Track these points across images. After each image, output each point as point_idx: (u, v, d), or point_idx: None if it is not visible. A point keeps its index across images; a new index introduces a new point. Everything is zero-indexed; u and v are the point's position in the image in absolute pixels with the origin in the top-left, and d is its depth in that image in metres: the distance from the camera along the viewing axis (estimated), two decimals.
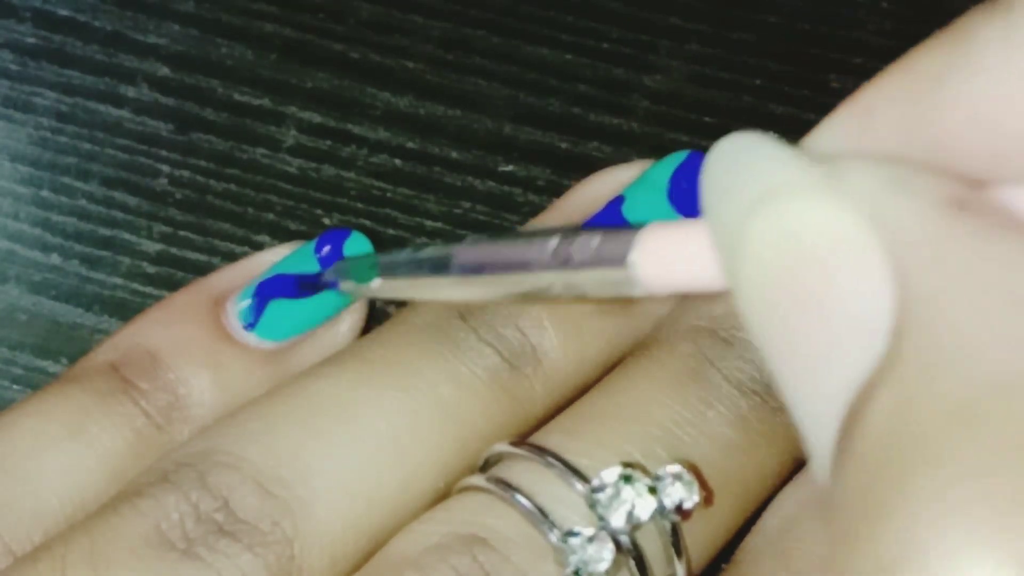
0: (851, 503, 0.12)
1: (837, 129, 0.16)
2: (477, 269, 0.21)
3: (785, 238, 0.13)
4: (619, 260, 0.17)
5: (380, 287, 0.24)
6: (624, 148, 0.31)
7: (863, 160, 0.14)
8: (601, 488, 0.22)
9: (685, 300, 0.26)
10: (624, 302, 0.26)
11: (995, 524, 0.11)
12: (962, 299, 0.12)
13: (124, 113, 0.32)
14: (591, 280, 0.19)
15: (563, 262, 0.19)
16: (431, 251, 0.22)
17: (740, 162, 0.14)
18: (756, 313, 0.14)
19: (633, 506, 0.22)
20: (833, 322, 0.13)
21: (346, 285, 0.24)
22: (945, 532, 0.11)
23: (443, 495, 0.23)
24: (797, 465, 0.25)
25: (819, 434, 0.13)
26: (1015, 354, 0.12)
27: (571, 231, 0.19)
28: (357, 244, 0.26)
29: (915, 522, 0.11)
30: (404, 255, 0.23)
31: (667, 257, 0.16)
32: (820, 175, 0.14)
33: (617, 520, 0.22)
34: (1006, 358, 0.12)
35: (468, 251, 0.22)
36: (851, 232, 0.13)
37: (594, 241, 0.18)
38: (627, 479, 0.22)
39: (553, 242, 0.19)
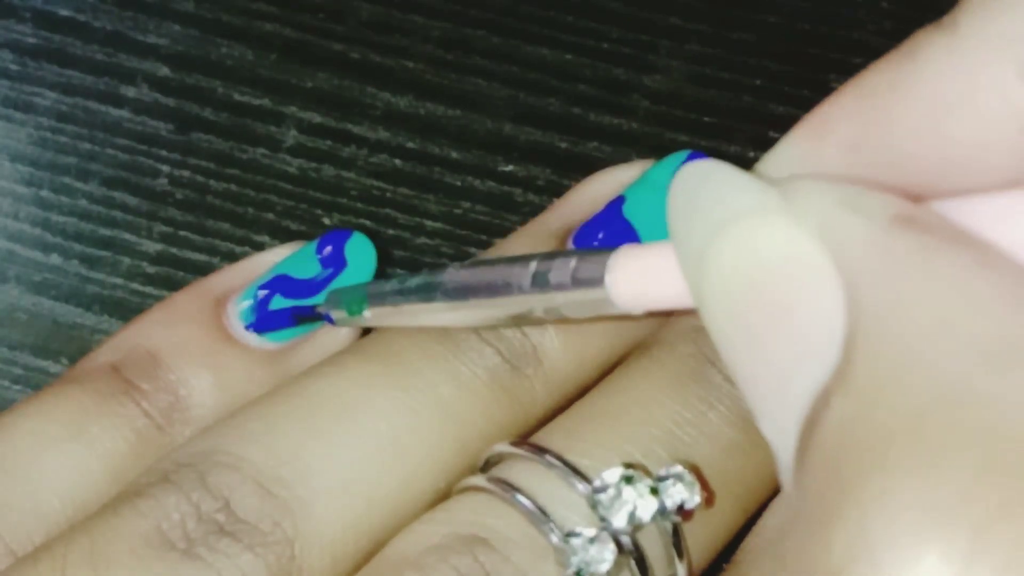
0: (807, 508, 0.13)
1: (792, 149, 0.17)
2: (462, 295, 0.22)
3: (744, 258, 0.14)
4: (595, 282, 0.18)
5: (372, 317, 0.24)
6: (624, 148, 0.31)
7: (814, 182, 0.15)
8: (603, 489, 0.22)
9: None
10: (604, 319, 0.26)
11: (939, 520, 0.12)
12: (908, 312, 0.13)
13: (124, 113, 0.32)
14: (569, 301, 0.19)
15: (542, 285, 0.20)
16: (417, 279, 0.23)
17: (701, 188, 0.15)
18: (719, 330, 0.15)
19: (635, 507, 0.22)
20: (790, 335, 0.14)
21: (339, 316, 0.25)
22: (893, 530, 0.12)
23: (444, 495, 0.23)
24: None
25: (782, 443, 0.14)
26: (956, 365, 0.12)
27: (548, 255, 0.20)
28: (358, 245, 0.26)
29: (864, 522, 0.12)
30: (392, 285, 0.24)
31: (640, 277, 0.17)
32: (774, 198, 0.14)
33: (619, 521, 0.22)
34: (947, 370, 0.12)
35: (452, 277, 0.22)
36: (805, 251, 0.14)
37: (571, 263, 0.19)
38: (628, 480, 0.22)
39: (532, 266, 0.20)
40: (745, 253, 0.14)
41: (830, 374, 0.13)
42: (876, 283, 0.13)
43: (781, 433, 0.14)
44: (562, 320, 0.20)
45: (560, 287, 0.19)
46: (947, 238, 0.14)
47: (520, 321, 0.22)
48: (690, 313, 0.25)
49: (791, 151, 0.17)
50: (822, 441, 0.13)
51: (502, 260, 0.21)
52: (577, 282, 0.19)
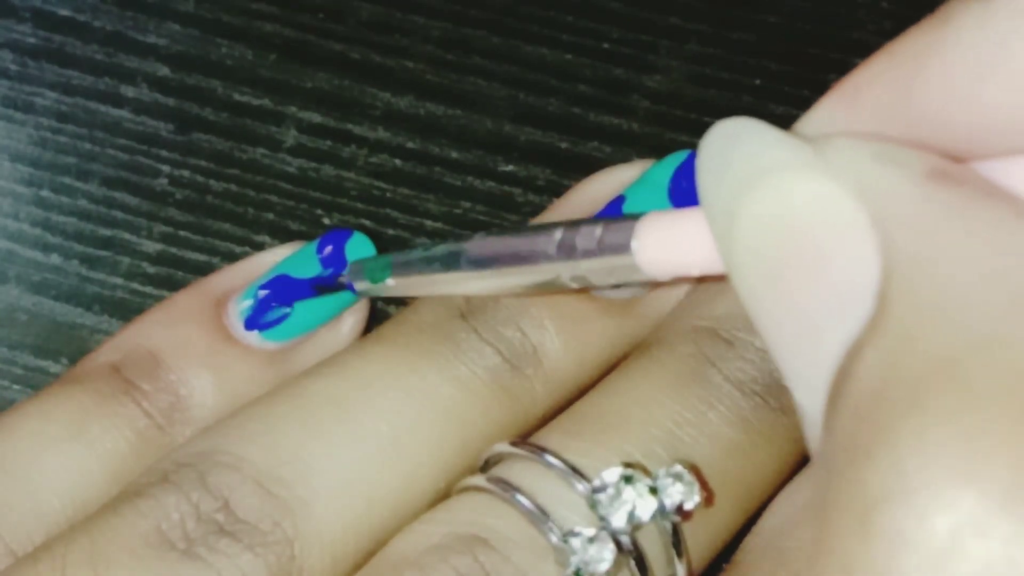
0: (839, 452, 0.13)
1: (825, 113, 0.17)
2: (487, 264, 0.22)
3: (777, 211, 0.14)
4: (622, 248, 0.18)
5: (394, 285, 0.24)
6: (624, 148, 0.31)
7: (849, 138, 0.15)
8: (602, 488, 0.22)
9: (685, 300, 0.26)
10: (625, 303, 0.26)
11: (977, 460, 0.12)
12: (943, 263, 0.13)
13: (124, 113, 0.32)
14: (596, 268, 0.19)
15: (568, 253, 0.20)
16: (442, 248, 0.23)
17: (732, 145, 0.15)
18: (749, 287, 0.15)
19: (634, 506, 0.22)
20: (823, 288, 0.14)
21: (361, 285, 0.25)
22: (929, 469, 0.12)
23: (444, 495, 0.23)
24: (797, 465, 0.25)
25: (811, 398, 0.14)
26: (991, 313, 0.12)
27: (574, 223, 0.20)
28: (359, 244, 0.26)
29: (900, 462, 0.12)
30: (416, 253, 0.23)
31: (666, 243, 0.17)
32: (808, 153, 0.15)
33: (618, 520, 0.22)
34: (983, 317, 0.12)
35: (477, 246, 0.22)
36: (839, 203, 0.14)
37: (597, 231, 0.19)
38: (628, 479, 0.22)
39: (558, 234, 0.20)
40: (778, 206, 0.14)
41: (863, 326, 0.13)
42: (911, 235, 0.13)
43: (811, 390, 0.14)
44: (588, 287, 0.20)
45: (587, 254, 0.19)
46: (982, 192, 0.14)
47: (545, 289, 0.22)
48: (691, 312, 0.26)
49: (823, 116, 0.17)
50: (854, 391, 0.13)
51: (527, 228, 0.21)
52: (604, 249, 0.19)
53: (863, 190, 0.14)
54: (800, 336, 0.14)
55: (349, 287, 0.25)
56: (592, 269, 0.19)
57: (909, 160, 0.14)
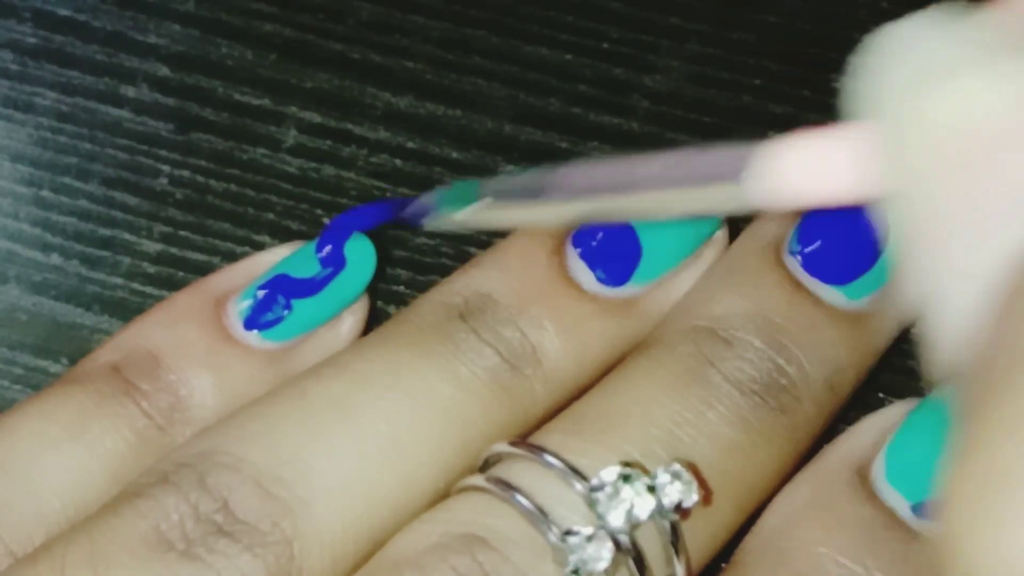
0: (1012, 362, 0.12)
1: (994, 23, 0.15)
2: (583, 195, 0.21)
3: (964, 111, 0.13)
4: (732, 175, 0.17)
5: (483, 214, 0.23)
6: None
7: None
8: (600, 487, 0.22)
9: (684, 300, 0.26)
10: (625, 303, 0.26)
11: None
12: None
13: (124, 113, 0.32)
14: (702, 198, 0.18)
15: (674, 181, 0.19)
16: (533, 179, 0.22)
17: (915, 40, 0.14)
18: (920, 182, 0.14)
19: (632, 505, 0.22)
20: (1007, 186, 0.13)
21: (436, 219, 0.24)
22: None
23: (444, 495, 0.23)
24: (797, 465, 0.25)
25: (969, 299, 0.13)
26: None
27: (683, 150, 0.19)
28: (358, 244, 0.26)
29: None
30: (508, 181, 0.23)
31: (781, 172, 0.16)
32: (1005, 54, 0.14)
33: (616, 519, 0.22)
34: None
35: (571, 178, 0.21)
36: None
37: (704, 158, 0.18)
38: (626, 478, 0.22)
39: (660, 162, 0.19)
40: (965, 105, 0.13)
41: None
42: None
43: (972, 289, 0.13)
44: (690, 211, 0.20)
45: (695, 182, 0.18)
46: None
47: (635, 215, 0.21)
48: (690, 312, 0.26)
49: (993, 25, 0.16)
50: None
51: (623, 160, 0.20)
52: (714, 176, 0.18)
53: None
54: (972, 232, 0.13)
55: (416, 219, 0.24)
56: (697, 199, 0.18)
57: None
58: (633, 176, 0.20)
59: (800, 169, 0.16)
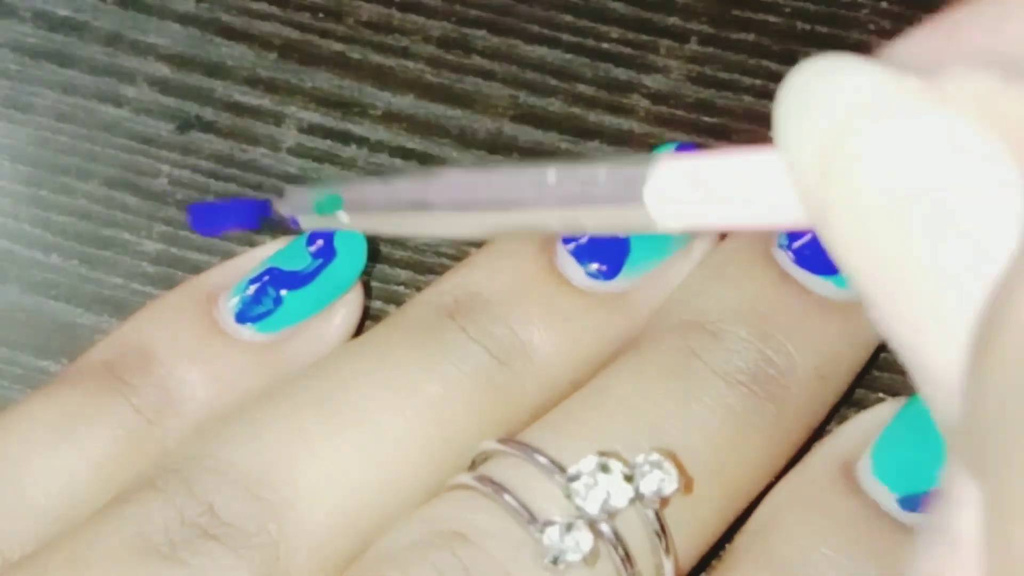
0: (1006, 410, 0.11)
1: (915, 47, 0.15)
2: (461, 207, 0.19)
3: (888, 149, 0.12)
4: (630, 197, 0.16)
5: (348, 221, 0.22)
6: (624, 148, 0.31)
7: (964, 63, 0.13)
8: (577, 477, 0.22)
9: (674, 295, 0.26)
10: (616, 298, 0.26)
11: None
12: None
13: (124, 113, 0.32)
14: (596, 217, 0.17)
15: (563, 201, 0.17)
16: (406, 186, 0.20)
17: (826, 81, 0.13)
18: (855, 238, 0.13)
19: (608, 494, 0.22)
20: (954, 228, 0.12)
21: (307, 220, 0.23)
22: None
23: (434, 494, 0.23)
24: (790, 456, 0.25)
25: (942, 352, 0.12)
26: None
27: (570, 166, 0.17)
28: (349, 236, 0.26)
29: None
30: (375, 189, 0.21)
31: (684, 192, 0.15)
32: (919, 83, 0.13)
33: (592, 508, 0.22)
34: None
35: (449, 189, 0.19)
36: (964, 133, 0.12)
37: (600, 176, 0.17)
38: (604, 468, 0.22)
39: (551, 176, 0.17)
40: (888, 143, 0.12)
41: (1011, 261, 0.12)
42: None
43: (945, 344, 0.12)
44: (581, 232, 0.18)
45: (586, 203, 0.17)
46: None
47: (527, 231, 0.20)
48: (679, 307, 0.26)
49: (912, 50, 0.14)
50: (1014, 333, 0.11)
51: (510, 170, 0.18)
52: (608, 198, 0.16)
53: (992, 117, 0.12)
54: (927, 285, 0.12)
55: (292, 222, 0.23)
56: (591, 218, 0.17)
57: None
58: (516, 194, 0.18)
59: (702, 192, 0.15)
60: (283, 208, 0.23)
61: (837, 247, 0.13)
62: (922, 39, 0.14)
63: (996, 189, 0.12)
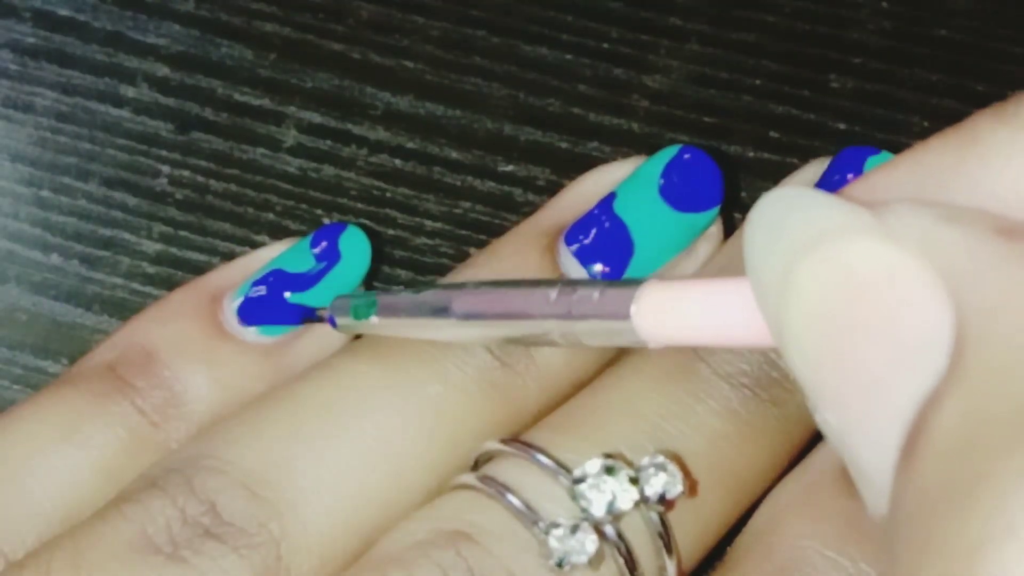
0: (926, 503, 0.13)
1: (874, 182, 0.17)
2: (476, 315, 0.22)
3: (838, 274, 0.14)
4: (620, 314, 0.18)
5: (377, 324, 0.24)
6: (624, 148, 0.31)
7: (908, 201, 0.15)
8: (582, 479, 0.22)
9: None
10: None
11: None
12: (1018, 310, 0.13)
13: (124, 113, 0.32)
14: (591, 330, 0.19)
15: (563, 313, 0.20)
16: (430, 295, 0.23)
17: (785, 212, 0.15)
18: (805, 351, 0.14)
19: (614, 496, 0.22)
20: (890, 346, 0.14)
21: (343, 321, 0.25)
22: None
23: (436, 494, 0.23)
24: (791, 458, 0.25)
25: (877, 458, 0.14)
26: None
27: (571, 282, 0.20)
28: (352, 238, 0.26)
29: (1004, 502, 0.12)
30: (404, 297, 0.23)
31: (666, 313, 0.17)
32: (867, 216, 0.14)
33: (598, 510, 0.22)
34: None
35: (467, 299, 0.22)
36: (904, 263, 0.14)
37: (595, 293, 0.19)
38: (609, 470, 0.22)
39: (553, 293, 0.20)
40: (839, 268, 0.14)
41: (939, 379, 0.13)
42: (982, 288, 0.13)
43: (877, 448, 0.14)
44: (577, 346, 0.21)
45: (583, 316, 0.19)
46: None
47: (534, 342, 0.23)
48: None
49: (872, 184, 0.17)
50: (936, 439, 0.13)
51: (522, 284, 0.21)
52: (601, 314, 0.19)
53: (929, 249, 0.14)
54: (866, 396, 0.14)
55: (330, 321, 0.25)
56: (587, 330, 0.20)
57: (975, 218, 0.14)
58: (524, 306, 0.21)
59: (677, 311, 0.17)
60: (327, 311, 0.25)
61: (789, 357, 0.15)
62: (882, 176, 0.17)
63: (931, 316, 0.13)
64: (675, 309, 0.17)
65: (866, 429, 0.14)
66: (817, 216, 0.15)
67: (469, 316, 0.22)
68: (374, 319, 0.24)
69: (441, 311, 0.22)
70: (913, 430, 0.13)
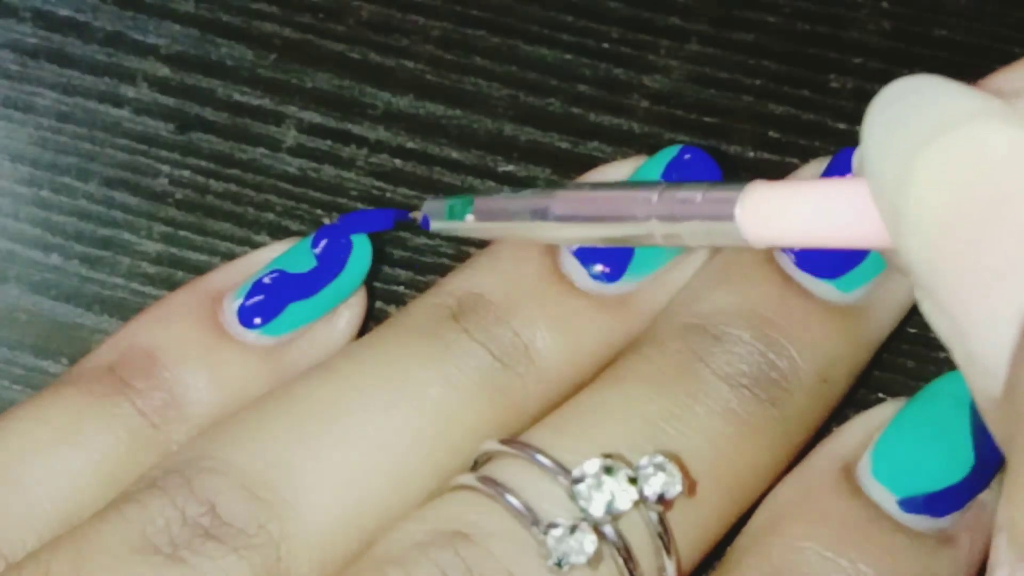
0: None
1: (1000, 81, 0.16)
2: (575, 217, 0.22)
3: (972, 157, 0.14)
4: (723, 215, 0.18)
5: (473, 226, 0.24)
6: (624, 148, 0.31)
7: None
8: (581, 479, 0.22)
9: (678, 297, 0.26)
10: (619, 300, 0.26)
11: None
12: None
13: (124, 113, 0.32)
14: (694, 231, 0.19)
15: (666, 215, 0.20)
16: (529, 196, 0.23)
17: (913, 99, 0.15)
18: (926, 239, 0.14)
19: (613, 496, 0.22)
20: (1015, 231, 0.13)
21: (438, 223, 0.25)
22: None
23: (436, 495, 0.23)
24: (791, 459, 0.25)
25: (994, 343, 0.13)
26: None
27: (673, 185, 0.20)
28: (354, 239, 0.26)
29: None
30: (501, 198, 0.24)
31: (772, 213, 0.17)
32: (1000, 103, 0.14)
33: (596, 510, 0.22)
34: None
35: (568, 201, 0.22)
36: None
37: (697, 196, 0.19)
38: (608, 470, 0.22)
39: (655, 195, 0.20)
40: (972, 152, 0.14)
41: None
42: None
43: (995, 335, 0.13)
44: (681, 245, 0.20)
45: (686, 218, 0.19)
46: None
47: (634, 243, 0.22)
48: (681, 310, 0.26)
49: (1010, 77, 0.16)
50: None
51: (623, 185, 0.21)
52: (705, 215, 0.19)
53: None
54: (984, 285, 0.13)
55: (423, 223, 0.25)
56: (690, 232, 0.19)
57: None
58: (627, 210, 0.20)
59: (793, 212, 0.17)
60: (422, 211, 0.25)
61: (906, 243, 0.14)
62: (1009, 73, 0.16)
63: None
64: (782, 209, 0.17)
65: (984, 315, 0.14)
66: (948, 102, 0.14)
67: (568, 218, 0.22)
68: (470, 218, 0.24)
69: (540, 213, 0.22)
70: None
